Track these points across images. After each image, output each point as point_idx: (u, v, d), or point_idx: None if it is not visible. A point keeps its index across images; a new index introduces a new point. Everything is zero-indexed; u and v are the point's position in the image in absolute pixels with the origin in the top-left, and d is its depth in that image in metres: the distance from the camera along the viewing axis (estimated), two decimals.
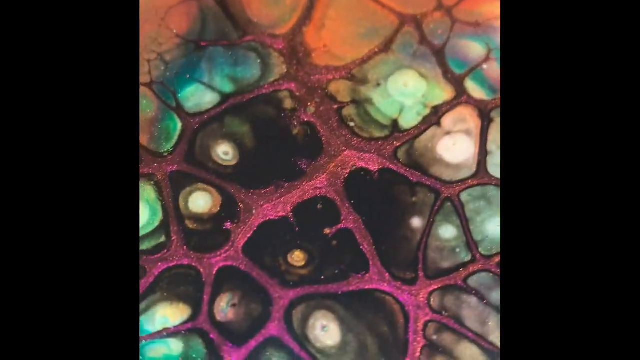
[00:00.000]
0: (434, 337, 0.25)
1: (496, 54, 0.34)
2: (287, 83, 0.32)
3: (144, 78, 0.32)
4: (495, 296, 0.26)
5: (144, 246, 0.26)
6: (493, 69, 0.33)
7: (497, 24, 0.35)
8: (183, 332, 0.24)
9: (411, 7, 0.36)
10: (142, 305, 0.25)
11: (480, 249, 0.27)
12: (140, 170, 0.28)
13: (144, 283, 0.25)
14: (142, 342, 0.24)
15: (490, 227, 0.28)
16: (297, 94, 0.32)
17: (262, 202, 0.28)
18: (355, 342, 0.25)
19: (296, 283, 0.26)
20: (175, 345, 0.24)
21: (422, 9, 0.36)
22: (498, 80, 0.33)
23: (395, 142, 0.30)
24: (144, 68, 0.32)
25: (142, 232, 0.27)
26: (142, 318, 0.25)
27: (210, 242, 0.27)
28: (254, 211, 0.28)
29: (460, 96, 0.32)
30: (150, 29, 0.34)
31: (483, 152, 0.30)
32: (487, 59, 0.34)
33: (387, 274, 0.26)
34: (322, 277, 0.26)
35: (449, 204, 0.28)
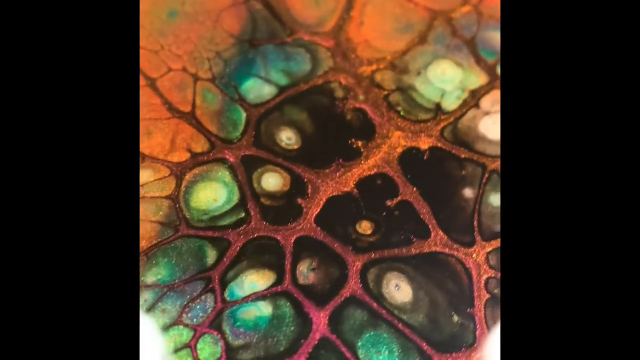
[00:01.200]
0: (496, 291, 0.28)
1: None
2: (336, 74, 0.35)
3: (206, 74, 0.34)
4: None
5: (225, 222, 0.29)
6: None
7: None
8: (270, 295, 0.27)
9: (440, 3, 0.39)
10: (230, 274, 0.27)
11: None
12: (214, 156, 0.31)
13: (230, 254, 0.28)
14: (235, 307, 0.26)
15: None
16: (346, 84, 0.35)
17: (327, 180, 0.30)
18: (426, 298, 0.27)
19: (366, 249, 0.28)
20: (265, 308, 0.27)
21: (450, 5, 0.39)
22: None
23: (441, 123, 0.33)
24: (204, 66, 0.35)
25: (222, 210, 0.29)
26: (233, 284, 0.27)
27: (285, 216, 0.29)
28: (320, 188, 0.30)
29: (494, 81, 0.35)
30: (206, 30, 0.37)
31: None
32: None
33: (447, 238, 0.29)
34: (390, 242, 0.29)
35: (495, 175, 0.31)
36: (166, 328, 0.25)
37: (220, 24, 0.37)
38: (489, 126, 0.33)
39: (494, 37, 0.38)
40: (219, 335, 0.25)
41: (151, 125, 0.32)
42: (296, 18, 0.38)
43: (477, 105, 0.34)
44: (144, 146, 0.31)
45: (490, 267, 0.28)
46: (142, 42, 0.35)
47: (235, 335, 0.26)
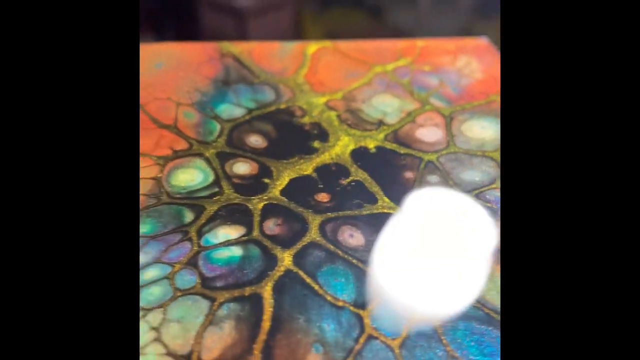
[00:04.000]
0: None
1: (449, 84, 0.46)
2: (296, 102, 0.42)
3: (186, 101, 0.41)
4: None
5: (202, 194, 0.34)
6: (448, 91, 0.45)
7: (448, 68, 0.48)
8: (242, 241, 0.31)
9: (379, 59, 0.48)
10: (206, 228, 0.31)
11: (460, 188, 0.36)
12: (192, 151, 0.37)
13: (205, 215, 0.32)
14: (209, 250, 0.30)
15: (464, 176, 0.37)
16: (305, 107, 0.42)
17: (289, 167, 0.36)
18: (376, 242, 0.31)
19: (324, 211, 0.33)
20: (236, 250, 0.30)
21: (387, 60, 0.48)
22: (452, 96, 0.44)
23: (383, 132, 0.40)
24: (185, 96, 0.42)
25: (199, 186, 0.34)
26: (208, 236, 0.31)
27: (253, 190, 0.34)
28: (284, 172, 0.36)
29: (426, 105, 0.43)
30: (187, 74, 0.44)
31: (450, 135, 0.40)
32: (441, 86, 0.46)
33: (393, 204, 0.34)
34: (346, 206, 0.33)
35: (431, 164, 0.37)
36: (147, 265, 0.29)
37: (199, 71, 0.45)
38: (424, 134, 0.40)
39: (425, 79, 0.47)
40: (195, 270, 0.29)
41: (140, 133, 0.38)
42: (262, 68, 0.46)
43: (413, 121, 0.41)
44: None
45: None
46: None
47: (210, 270, 0.29)
